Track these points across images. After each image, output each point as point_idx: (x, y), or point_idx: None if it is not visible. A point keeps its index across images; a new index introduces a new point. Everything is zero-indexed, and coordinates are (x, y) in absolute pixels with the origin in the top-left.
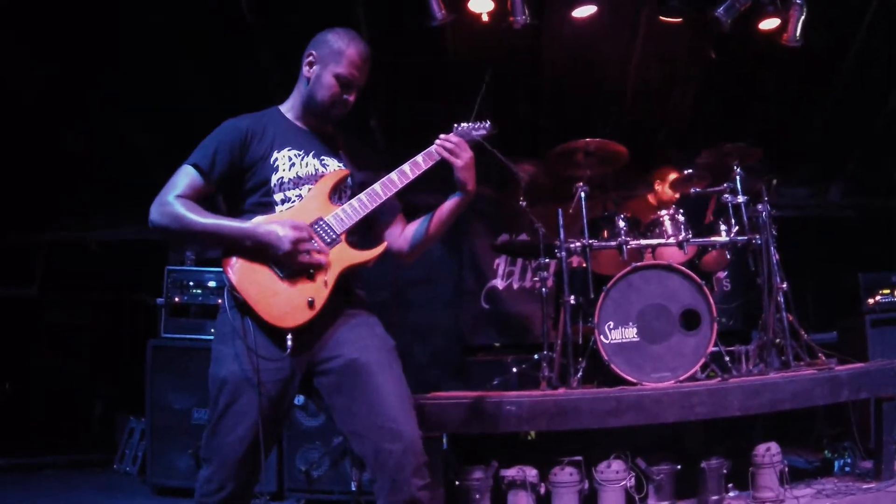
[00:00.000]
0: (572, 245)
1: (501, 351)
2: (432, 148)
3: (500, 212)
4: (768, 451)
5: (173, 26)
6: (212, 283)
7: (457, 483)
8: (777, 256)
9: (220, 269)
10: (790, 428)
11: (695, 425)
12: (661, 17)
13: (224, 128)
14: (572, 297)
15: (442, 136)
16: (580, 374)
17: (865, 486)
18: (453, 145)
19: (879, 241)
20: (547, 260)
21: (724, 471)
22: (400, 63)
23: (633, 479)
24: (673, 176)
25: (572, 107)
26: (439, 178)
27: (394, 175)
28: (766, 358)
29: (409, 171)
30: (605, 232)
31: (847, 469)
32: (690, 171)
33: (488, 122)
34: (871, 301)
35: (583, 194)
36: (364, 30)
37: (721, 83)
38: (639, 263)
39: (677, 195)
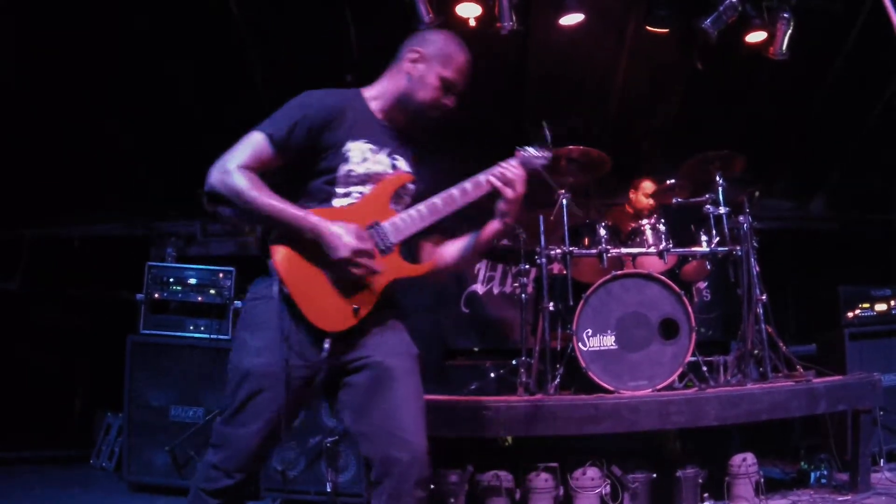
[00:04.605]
0: (553, 252)
1: (480, 355)
2: (495, 171)
3: (482, 216)
4: (744, 462)
5: (160, 27)
6: (192, 280)
7: (432, 486)
8: (757, 268)
9: (204, 266)
10: (767, 439)
11: (671, 434)
12: (648, 27)
13: (308, 101)
14: (551, 303)
15: (504, 162)
16: (557, 380)
17: (841, 499)
18: (514, 176)
19: (861, 254)
20: (527, 266)
21: (700, 480)
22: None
23: (608, 487)
24: (648, 185)
25: (556, 113)
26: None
27: (455, 192)
28: (745, 369)
29: (470, 189)
30: (586, 239)
31: (823, 481)
32: (672, 181)
33: (549, 152)
34: (850, 314)
35: (564, 201)
36: (352, 31)
37: (706, 93)
38: (618, 272)
39: (652, 202)
